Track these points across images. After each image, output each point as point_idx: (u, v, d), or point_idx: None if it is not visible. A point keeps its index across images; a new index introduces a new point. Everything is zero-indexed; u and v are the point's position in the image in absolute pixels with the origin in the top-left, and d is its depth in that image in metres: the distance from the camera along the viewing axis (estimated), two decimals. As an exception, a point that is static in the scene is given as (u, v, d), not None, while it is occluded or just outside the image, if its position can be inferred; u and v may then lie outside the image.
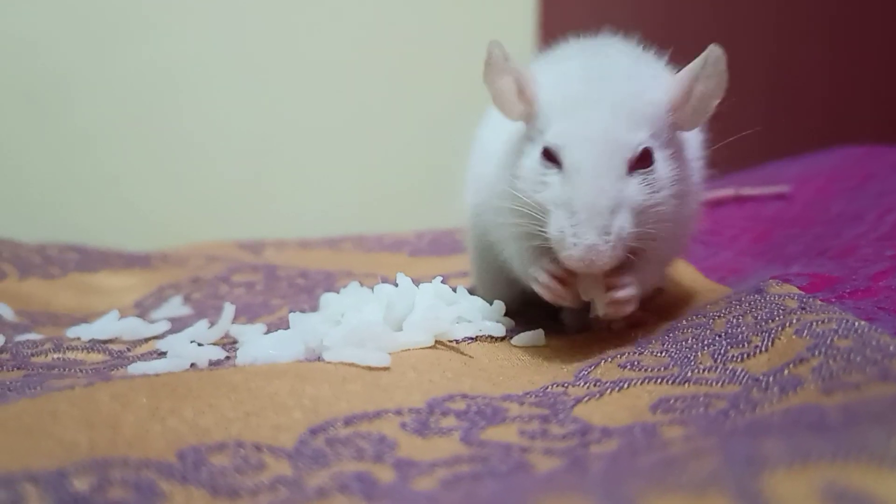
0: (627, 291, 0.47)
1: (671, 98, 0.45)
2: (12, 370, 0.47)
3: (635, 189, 0.43)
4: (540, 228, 0.44)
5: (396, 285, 0.50)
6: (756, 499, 0.19)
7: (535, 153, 0.45)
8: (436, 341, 0.46)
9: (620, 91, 0.45)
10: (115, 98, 1.22)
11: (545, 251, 0.46)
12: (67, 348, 0.53)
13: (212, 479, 0.28)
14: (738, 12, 1.14)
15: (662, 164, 0.45)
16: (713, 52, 0.44)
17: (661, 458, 0.22)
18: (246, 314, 0.64)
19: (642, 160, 0.44)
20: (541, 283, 0.47)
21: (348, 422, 0.34)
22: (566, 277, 0.47)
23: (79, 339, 0.55)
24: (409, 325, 0.46)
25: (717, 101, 0.46)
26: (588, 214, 0.42)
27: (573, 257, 0.42)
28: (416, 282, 0.52)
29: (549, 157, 0.44)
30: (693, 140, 0.50)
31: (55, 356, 0.51)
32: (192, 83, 1.23)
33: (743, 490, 0.19)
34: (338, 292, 0.55)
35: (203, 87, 1.24)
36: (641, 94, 0.45)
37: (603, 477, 0.20)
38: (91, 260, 0.80)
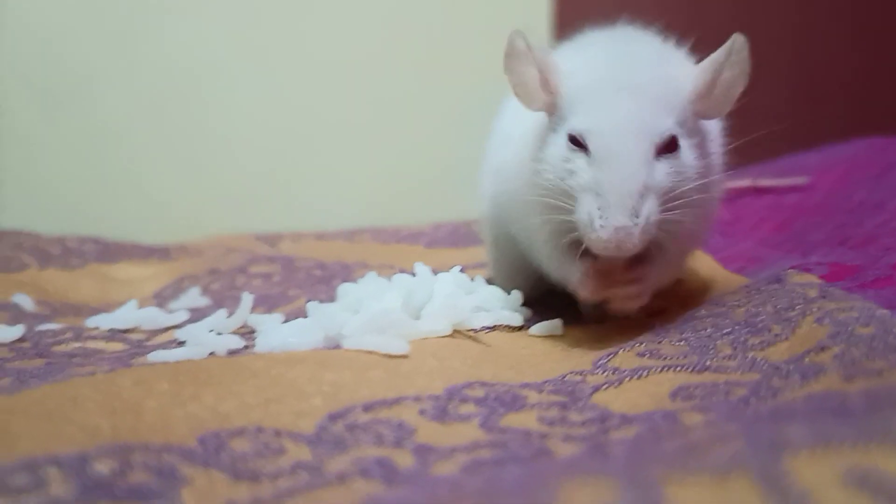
0: (636, 287, 0.47)
1: (696, 86, 0.45)
2: (33, 358, 0.48)
3: (662, 174, 0.43)
4: (567, 216, 0.44)
5: (415, 275, 0.50)
6: (779, 481, 0.19)
7: (560, 141, 0.45)
8: (454, 330, 0.47)
9: (647, 77, 0.45)
10: (136, 92, 1.23)
11: (574, 244, 0.46)
12: (87, 337, 0.53)
13: (233, 464, 0.28)
14: (759, 2, 1.13)
15: (688, 152, 0.45)
16: (737, 41, 0.44)
17: (683, 442, 0.22)
18: (264, 304, 0.65)
19: (668, 147, 0.44)
20: (579, 281, 0.47)
21: (367, 408, 0.34)
22: (604, 270, 0.47)
23: (98, 328, 0.56)
24: (427, 314, 0.46)
25: (740, 90, 0.45)
26: (616, 197, 0.42)
27: (601, 239, 0.42)
28: (435, 272, 0.52)
29: (575, 143, 0.44)
30: (714, 130, 0.50)
31: (75, 345, 0.52)
32: (211, 77, 1.24)
33: (766, 473, 0.19)
34: (355, 283, 0.55)
35: (222, 82, 1.24)
36: (667, 81, 0.45)
37: (625, 461, 0.20)
38: (110, 251, 0.81)
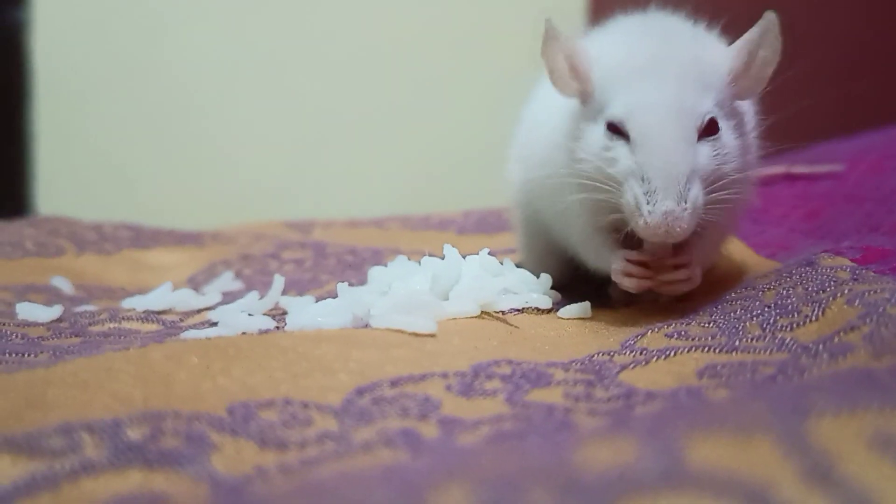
0: (686, 272, 0.47)
1: (733, 67, 0.45)
2: (70, 337, 0.49)
3: (705, 158, 0.43)
4: (613, 199, 0.44)
5: (443, 257, 0.50)
6: (801, 442, 0.19)
7: (597, 129, 0.45)
8: (482, 312, 0.47)
9: (684, 60, 0.44)
10: (170, 83, 1.25)
11: (616, 236, 0.46)
12: (123, 318, 0.54)
13: (261, 432, 0.29)
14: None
15: (728, 134, 0.44)
16: (770, 19, 0.44)
17: (707, 407, 0.22)
18: (295, 288, 0.65)
19: (709, 129, 0.43)
20: (623, 271, 0.47)
21: (394, 383, 0.34)
22: (648, 261, 0.46)
23: (134, 309, 0.57)
24: (455, 296, 0.47)
25: (773, 68, 0.45)
26: (663, 181, 0.42)
27: (650, 225, 0.42)
28: (463, 255, 0.52)
29: (615, 130, 0.44)
30: (748, 111, 0.49)
31: (111, 325, 0.53)
32: (246, 70, 1.25)
33: (788, 434, 0.19)
34: (385, 266, 0.55)
35: (257, 75, 1.25)
36: (704, 62, 0.45)
37: (646, 424, 0.20)
38: (144, 237, 0.82)
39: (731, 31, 0.47)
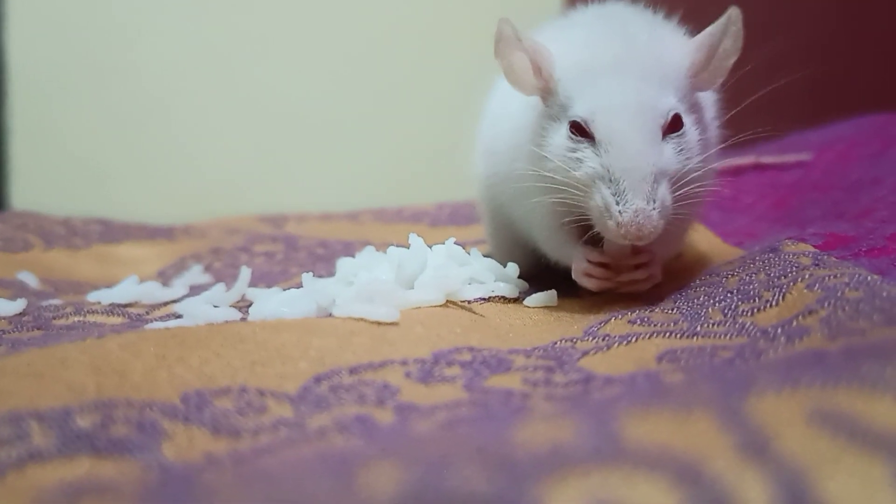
0: (647, 271, 0.47)
1: (694, 61, 0.45)
2: (32, 330, 0.48)
3: (670, 156, 0.43)
4: (579, 202, 0.44)
5: (409, 247, 0.50)
6: (739, 417, 0.19)
7: (561, 130, 0.44)
8: (447, 301, 0.47)
9: (644, 56, 0.44)
10: (144, 79, 1.24)
11: (577, 232, 0.46)
12: (88, 311, 0.53)
13: (214, 420, 0.29)
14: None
15: (691, 129, 0.44)
16: (733, 13, 0.44)
17: (650, 386, 0.22)
18: (265, 281, 0.65)
19: (673, 125, 0.43)
20: (584, 272, 0.47)
21: (353, 371, 0.34)
22: (610, 262, 0.46)
23: (99, 303, 0.56)
24: (420, 284, 0.47)
25: (732, 61, 0.45)
26: (631, 182, 0.41)
27: (621, 225, 0.41)
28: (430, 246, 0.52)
29: (579, 130, 0.43)
30: (708, 101, 0.49)
31: (75, 319, 0.52)
32: (218, 65, 1.24)
33: (727, 410, 0.19)
34: (353, 257, 0.55)
35: (227, 70, 1.25)
36: (665, 58, 0.44)
37: (589, 403, 0.20)
38: (114, 232, 0.81)
39: (691, 20, 0.47)
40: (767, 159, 0.76)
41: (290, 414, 0.30)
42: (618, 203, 0.41)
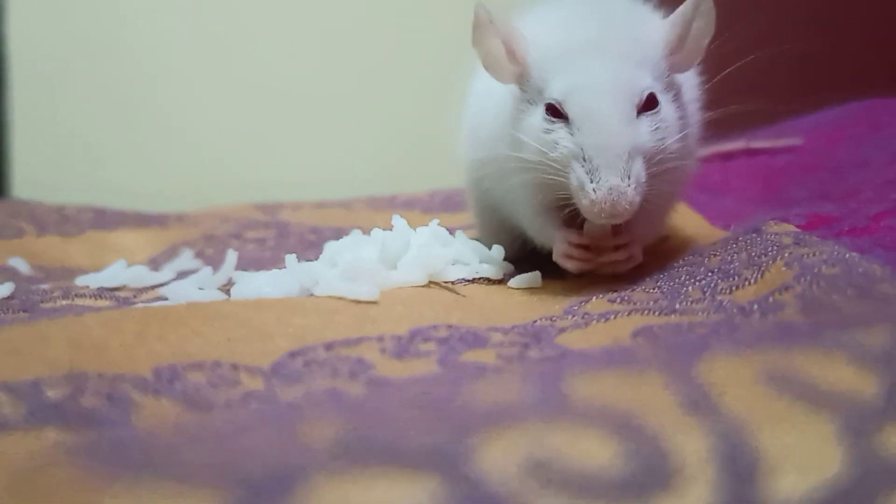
0: (627, 252, 0.47)
1: (668, 40, 0.45)
2: (18, 312, 0.48)
3: (645, 134, 0.43)
4: (557, 181, 0.44)
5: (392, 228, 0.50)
6: (689, 378, 0.19)
7: (537, 112, 0.45)
8: (430, 281, 0.47)
9: (618, 36, 0.44)
10: (137, 65, 1.24)
11: (560, 214, 0.46)
12: (76, 295, 0.54)
13: (184, 393, 0.29)
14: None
15: (667, 108, 0.44)
16: None
17: (605, 350, 0.22)
18: (255, 266, 0.65)
19: (648, 104, 0.43)
20: (564, 254, 0.47)
21: (329, 347, 0.34)
22: (590, 244, 0.46)
23: (87, 287, 0.56)
24: (403, 265, 0.47)
25: (708, 40, 0.45)
26: (605, 160, 0.41)
27: (595, 202, 0.41)
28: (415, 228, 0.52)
29: (553, 112, 0.44)
30: (689, 82, 0.49)
31: (63, 302, 0.52)
32: (213, 54, 1.24)
33: (677, 371, 0.19)
34: (339, 241, 0.55)
35: (222, 58, 1.25)
36: (639, 38, 0.45)
37: (536, 366, 0.20)
38: (107, 219, 0.81)
39: (671, 3, 0.47)
40: (758, 144, 0.76)
41: (262, 387, 0.30)
42: (592, 181, 0.41)
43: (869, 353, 0.20)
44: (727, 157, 0.75)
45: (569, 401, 0.17)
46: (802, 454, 0.16)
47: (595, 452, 0.16)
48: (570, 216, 0.46)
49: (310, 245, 0.73)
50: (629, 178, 0.41)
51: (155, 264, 0.71)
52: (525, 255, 0.55)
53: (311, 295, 0.43)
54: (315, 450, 0.15)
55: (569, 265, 0.47)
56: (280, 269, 0.60)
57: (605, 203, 0.41)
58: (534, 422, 0.16)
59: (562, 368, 0.20)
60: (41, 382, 0.28)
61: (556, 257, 0.48)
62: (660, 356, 0.21)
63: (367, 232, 0.58)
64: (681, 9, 0.45)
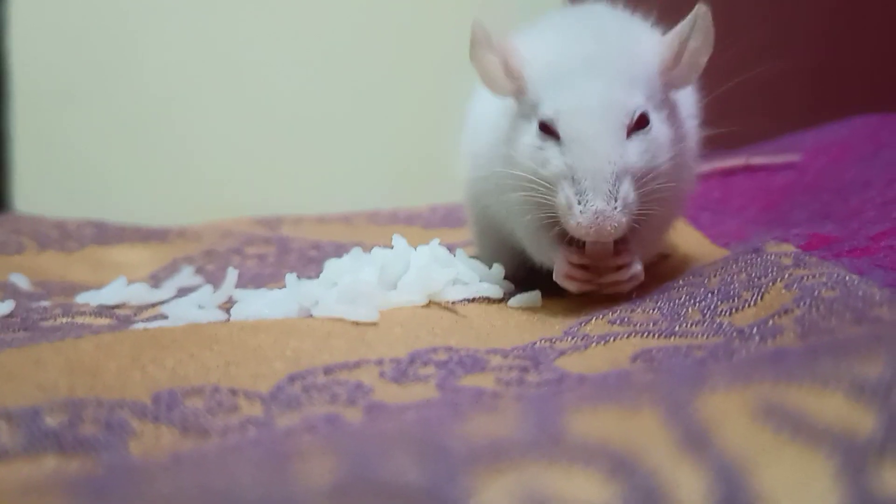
0: (628, 272, 0.47)
1: (663, 59, 0.45)
2: (17, 331, 0.48)
3: (635, 154, 0.43)
4: (548, 200, 0.44)
5: (392, 248, 0.50)
6: (684, 413, 0.19)
7: (531, 129, 0.45)
8: (430, 302, 0.47)
9: (611, 56, 0.44)
10: (142, 84, 1.24)
11: (559, 233, 0.46)
12: (76, 313, 0.54)
13: (183, 419, 0.29)
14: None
15: (659, 127, 0.45)
16: (700, 10, 0.44)
17: (601, 382, 0.22)
18: (255, 283, 0.65)
19: (639, 124, 0.44)
20: (565, 274, 0.47)
21: (328, 371, 0.34)
22: (590, 264, 0.46)
23: (87, 304, 0.56)
24: (403, 285, 0.47)
25: (706, 58, 0.45)
26: (592, 181, 0.42)
27: (581, 225, 0.42)
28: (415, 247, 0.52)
29: (546, 130, 0.44)
30: (687, 99, 0.50)
31: (63, 320, 0.52)
32: (215, 70, 1.25)
33: (675, 406, 0.19)
34: (340, 258, 0.55)
35: (224, 75, 1.25)
36: (632, 57, 0.45)
37: (535, 398, 0.20)
38: (108, 234, 0.81)
39: (672, 19, 0.47)
40: (758, 160, 0.76)
41: (261, 413, 0.30)
42: (579, 202, 0.42)
43: (867, 386, 0.20)
44: (727, 173, 0.75)
45: (565, 437, 0.17)
46: (801, 493, 0.16)
47: (593, 492, 0.16)
48: (569, 234, 0.46)
49: (311, 261, 0.73)
50: (616, 201, 0.42)
51: (156, 280, 0.71)
52: (525, 274, 0.55)
53: (311, 316, 0.43)
54: (311, 490, 0.15)
55: (569, 285, 0.47)
56: (280, 287, 0.60)
57: (590, 228, 0.42)
58: (532, 460, 0.16)
59: (560, 402, 0.19)
60: (40, 409, 0.28)
61: (556, 277, 0.48)
62: (659, 389, 0.21)
63: (367, 249, 0.58)
64: (678, 26, 0.45)
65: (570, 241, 0.47)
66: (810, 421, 0.19)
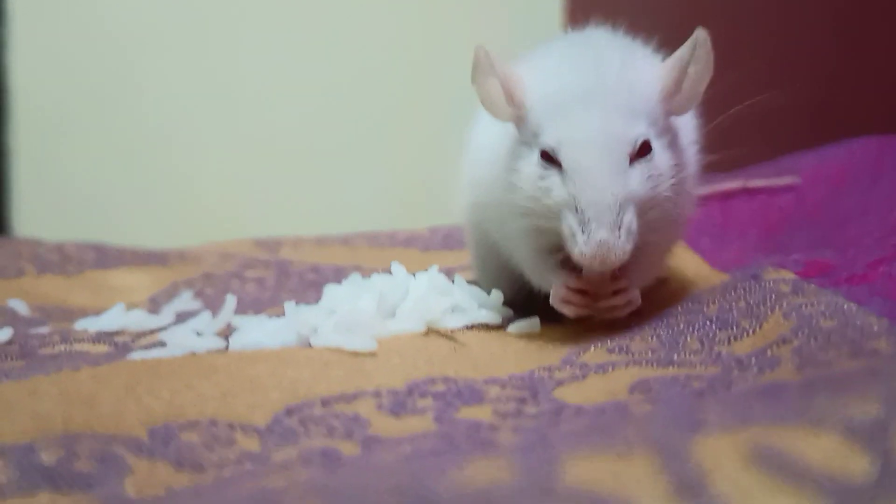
0: (625, 297, 0.47)
1: (663, 86, 0.45)
2: (16, 360, 0.48)
3: (638, 182, 0.43)
4: (549, 227, 0.44)
5: (391, 274, 0.50)
6: (678, 457, 0.19)
7: (532, 157, 0.45)
8: (428, 329, 0.47)
9: (612, 84, 0.44)
10: (141, 105, 1.25)
11: (560, 259, 0.46)
12: (74, 340, 0.54)
13: (178, 454, 0.29)
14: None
15: (661, 154, 0.45)
16: (700, 35, 0.44)
17: (593, 423, 0.22)
18: (254, 308, 0.65)
19: (642, 151, 0.44)
20: (562, 299, 0.47)
21: (325, 402, 0.34)
22: (588, 288, 0.46)
23: (86, 331, 0.56)
24: (401, 313, 0.47)
25: (706, 84, 0.46)
26: (595, 212, 0.42)
27: (585, 255, 0.42)
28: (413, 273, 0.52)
29: (548, 158, 0.44)
30: (687, 125, 0.50)
31: (62, 347, 0.52)
32: (215, 93, 1.25)
33: (669, 450, 0.19)
34: (339, 284, 0.55)
35: (222, 97, 1.26)
36: (634, 84, 0.45)
37: (528, 443, 0.20)
38: (108, 258, 0.81)
39: (674, 44, 0.47)
40: (755, 183, 0.76)
41: (257, 447, 0.30)
42: (583, 231, 0.42)
43: (861, 427, 0.20)
44: (726, 196, 0.75)
45: (558, 485, 0.17)
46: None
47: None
48: (568, 259, 0.46)
49: (310, 285, 0.73)
50: (619, 230, 0.42)
51: (155, 304, 0.71)
52: (524, 299, 0.55)
53: (308, 345, 0.43)
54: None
55: (566, 310, 0.47)
56: (279, 313, 0.60)
57: (595, 257, 0.42)
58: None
59: (556, 446, 0.19)
60: (34, 445, 0.28)
61: (553, 302, 0.48)
62: (653, 431, 0.21)
63: (366, 273, 0.58)
64: (678, 52, 0.45)
65: (568, 266, 0.47)
66: (805, 464, 0.19)
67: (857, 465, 0.19)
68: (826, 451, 0.19)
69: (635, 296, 0.47)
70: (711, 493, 0.17)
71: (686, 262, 0.62)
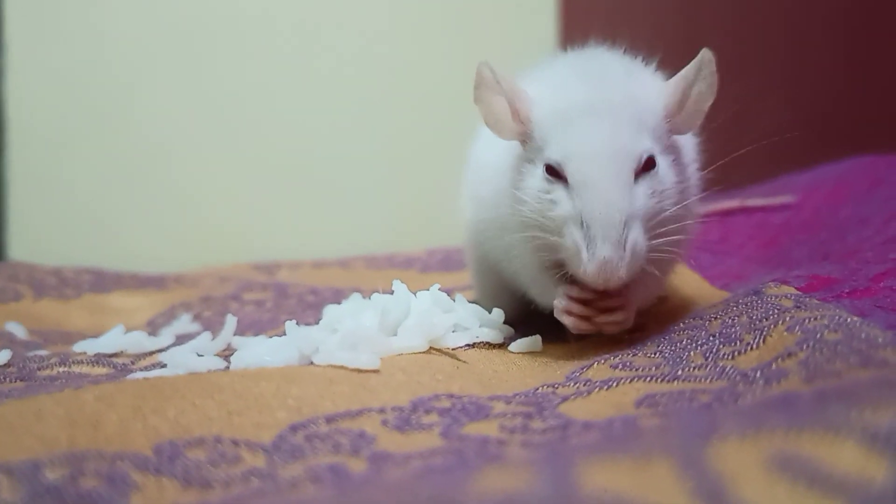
0: (621, 314, 0.46)
1: (668, 103, 0.45)
2: (15, 382, 0.48)
3: (643, 199, 0.43)
4: (553, 242, 0.44)
5: (392, 293, 0.50)
6: (699, 464, 0.18)
7: (537, 172, 0.45)
8: (431, 348, 0.47)
9: (618, 100, 0.44)
10: (140, 129, 1.25)
11: (562, 275, 0.46)
12: (73, 362, 0.53)
13: (185, 472, 0.29)
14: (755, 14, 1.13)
15: (666, 171, 0.45)
16: (705, 56, 0.45)
17: (623, 431, 0.22)
18: (254, 329, 0.65)
19: (646, 166, 0.44)
20: (564, 309, 0.47)
21: (330, 419, 0.34)
22: (590, 299, 0.46)
23: (84, 353, 0.56)
24: (403, 331, 0.46)
25: (709, 104, 0.46)
26: (600, 228, 0.42)
27: (588, 273, 0.42)
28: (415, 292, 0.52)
29: (553, 173, 0.44)
30: (688, 144, 0.50)
31: (61, 369, 0.52)
32: (211, 114, 1.25)
33: (688, 457, 0.19)
34: (339, 304, 0.55)
35: (221, 119, 1.26)
36: (639, 101, 0.45)
37: (548, 451, 0.20)
38: (105, 281, 0.81)
39: (676, 63, 0.48)
40: (753, 202, 0.76)
41: (263, 464, 0.30)
42: (588, 247, 0.42)
43: (878, 435, 0.20)
44: (723, 215, 0.75)
45: (580, 492, 0.17)
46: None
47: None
48: (571, 274, 0.46)
49: (309, 306, 0.73)
50: (624, 249, 0.41)
51: (153, 327, 0.70)
52: (525, 317, 0.55)
53: (312, 363, 0.43)
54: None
55: (567, 321, 0.47)
56: (280, 333, 0.60)
57: (598, 275, 0.42)
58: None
59: (572, 453, 0.19)
60: (41, 463, 0.27)
61: (556, 313, 0.48)
62: (669, 438, 0.20)
63: (366, 294, 0.58)
64: (683, 72, 0.46)
65: (571, 280, 0.47)
66: (825, 470, 0.18)
67: (877, 471, 0.19)
68: (847, 456, 0.19)
69: (631, 314, 0.47)
70: (734, 499, 0.17)
71: (685, 278, 0.62)
